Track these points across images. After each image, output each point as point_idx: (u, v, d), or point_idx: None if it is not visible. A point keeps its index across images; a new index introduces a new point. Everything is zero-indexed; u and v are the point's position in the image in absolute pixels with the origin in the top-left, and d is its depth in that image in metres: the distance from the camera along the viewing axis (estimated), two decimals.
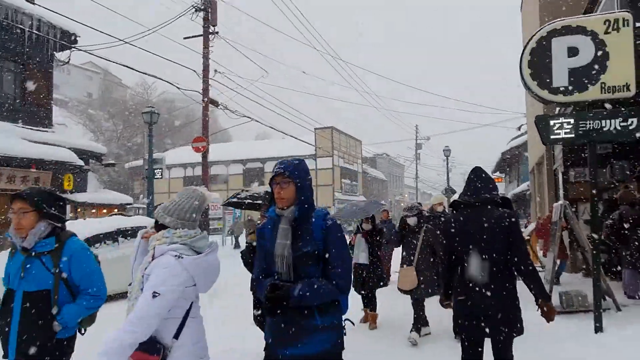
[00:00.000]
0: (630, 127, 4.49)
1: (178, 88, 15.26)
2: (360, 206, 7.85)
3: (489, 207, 2.94)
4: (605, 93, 4.57)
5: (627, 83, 4.51)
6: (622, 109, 4.58)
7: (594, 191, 4.79)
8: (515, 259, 2.83)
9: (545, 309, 2.79)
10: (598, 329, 4.75)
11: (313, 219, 2.24)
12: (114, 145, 45.94)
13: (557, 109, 5.87)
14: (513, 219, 2.92)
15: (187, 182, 40.35)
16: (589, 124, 4.60)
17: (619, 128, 4.51)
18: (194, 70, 15.66)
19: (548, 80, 4.76)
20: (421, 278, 5.06)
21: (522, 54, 4.90)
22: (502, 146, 27.32)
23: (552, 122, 4.71)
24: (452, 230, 3.01)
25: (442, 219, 6.88)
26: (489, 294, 2.81)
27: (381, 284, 5.85)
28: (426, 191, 70.35)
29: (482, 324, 2.80)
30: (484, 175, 3.08)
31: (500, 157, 28.85)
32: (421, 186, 62.63)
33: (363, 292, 5.87)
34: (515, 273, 2.89)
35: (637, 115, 4.49)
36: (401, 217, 5.64)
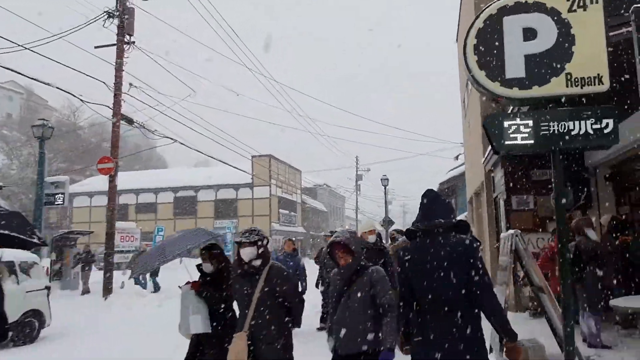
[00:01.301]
0: (606, 131, 3.41)
1: (82, 101, 13.34)
2: (165, 243, 5.05)
3: (444, 233, 2.65)
4: (572, 86, 3.50)
5: (598, 74, 3.47)
6: (594, 108, 3.48)
7: (557, 217, 3.65)
8: (477, 292, 2.53)
9: (510, 351, 2.56)
10: None
11: None
12: (30, 170, 41.86)
13: (510, 108, 4.79)
14: (472, 245, 2.60)
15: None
16: (553, 126, 3.49)
17: (590, 132, 3.43)
18: (104, 82, 13.83)
19: (499, 70, 3.64)
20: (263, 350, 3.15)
21: (467, 36, 3.78)
22: (442, 177, 27.11)
23: (506, 124, 3.56)
24: (405, 261, 2.75)
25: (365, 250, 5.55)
26: (446, 334, 2.51)
27: None
28: None
29: None
30: (436, 197, 2.82)
31: (438, 188, 28.63)
32: (362, 218, 62.20)
33: None
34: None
35: (612, 116, 3.42)
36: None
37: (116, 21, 14.15)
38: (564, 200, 3.53)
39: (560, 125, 3.48)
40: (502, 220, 10.35)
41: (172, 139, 16.92)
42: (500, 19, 3.71)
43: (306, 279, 7.71)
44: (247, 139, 26.17)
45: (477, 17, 3.79)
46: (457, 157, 21.69)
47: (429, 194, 2.85)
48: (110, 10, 14.21)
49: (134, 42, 14.36)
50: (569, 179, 9.14)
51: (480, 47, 3.71)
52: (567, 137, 3.46)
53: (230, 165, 26.51)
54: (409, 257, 2.74)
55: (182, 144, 17.30)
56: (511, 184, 9.31)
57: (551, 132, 3.49)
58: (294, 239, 9.38)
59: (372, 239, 5.64)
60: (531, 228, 9.05)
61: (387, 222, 22.97)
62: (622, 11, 4.91)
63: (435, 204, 2.76)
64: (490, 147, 10.26)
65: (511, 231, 5.08)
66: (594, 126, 3.43)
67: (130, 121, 14.58)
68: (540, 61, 3.58)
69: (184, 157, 56.30)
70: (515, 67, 3.62)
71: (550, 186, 9.10)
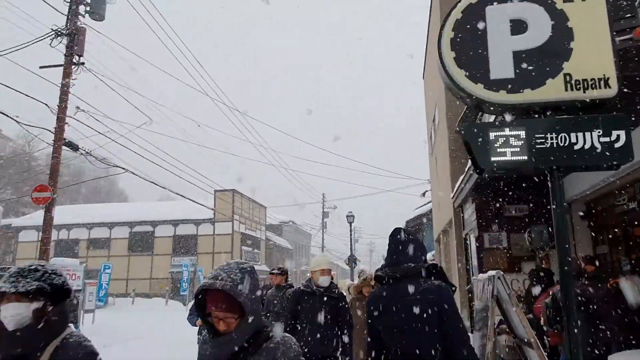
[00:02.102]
0: (617, 145, 2.69)
1: (18, 123, 12.11)
2: None
3: (414, 278, 2.34)
4: (572, 90, 2.80)
5: (604, 75, 2.79)
6: (602, 116, 2.77)
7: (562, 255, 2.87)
8: (451, 344, 2.24)
9: None
10: None
11: None
12: None
13: (492, 117, 4.06)
14: (446, 293, 2.30)
15: (61, 245, 34.75)
16: (551, 138, 2.75)
17: (597, 146, 2.70)
18: (46, 104, 12.67)
19: (483, 69, 2.91)
20: None
21: (442, 29, 3.06)
22: (409, 214, 26.50)
23: (492, 136, 2.80)
24: (374, 311, 2.46)
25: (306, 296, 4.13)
26: None
27: None
28: (333, 261, 68.66)
29: None
30: (405, 237, 2.51)
31: (405, 226, 27.98)
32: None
33: None
34: None
35: (624, 126, 2.71)
36: None
37: (65, 40, 13.20)
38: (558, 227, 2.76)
39: (560, 138, 2.74)
40: (473, 259, 9.66)
41: (123, 168, 15.74)
42: (482, 9, 3.02)
43: None
44: (211, 173, 25.09)
45: (453, 8, 3.09)
46: (424, 194, 21.24)
47: (396, 234, 2.55)
48: (59, 29, 13.26)
49: (83, 64, 13.37)
50: (543, 216, 8.58)
51: (459, 42, 2.99)
52: (569, 153, 2.72)
53: (191, 200, 25.22)
54: (378, 306, 2.47)
55: (133, 173, 16.10)
56: (483, 221, 8.66)
57: (549, 145, 2.75)
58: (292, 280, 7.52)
59: (324, 281, 4.20)
60: (505, 269, 8.35)
61: (352, 260, 22.01)
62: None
63: (404, 245, 2.49)
64: (461, 180, 9.68)
65: (492, 272, 4.28)
66: (602, 139, 2.70)
67: (74, 147, 13.38)
68: (532, 59, 2.88)
69: (146, 192, 54.06)
70: (502, 66, 2.90)
71: (524, 223, 8.53)
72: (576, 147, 2.72)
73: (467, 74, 2.93)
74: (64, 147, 12.94)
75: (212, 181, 29.11)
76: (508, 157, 2.78)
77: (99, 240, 34.62)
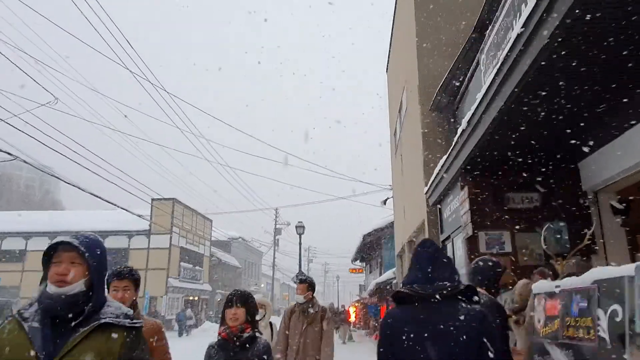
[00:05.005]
0: None
1: None
2: None
3: (451, 301, 1.99)
4: None
5: None
6: None
7: None
8: None
9: None
10: None
11: None
12: None
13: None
14: (486, 318, 2.01)
15: None
16: None
17: None
18: None
19: None
20: None
21: None
22: (366, 229, 23.95)
23: None
24: (395, 333, 2.02)
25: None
26: None
27: None
28: (285, 282, 65.13)
29: None
30: (439, 251, 2.16)
31: (361, 241, 25.32)
32: (280, 276, 57.38)
33: None
34: None
35: None
36: None
37: None
38: None
39: None
40: (458, 270, 7.11)
41: (9, 153, 12.31)
42: None
43: None
44: (149, 179, 21.77)
45: None
46: (384, 202, 18.75)
47: (429, 246, 2.16)
48: None
49: None
50: (563, 210, 6.13)
51: None
52: None
53: (123, 209, 21.67)
54: (402, 328, 2.02)
55: (24, 162, 12.66)
56: (477, 215, 6.08)
57: None
58: None
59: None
60: (509, 283, 5.76)
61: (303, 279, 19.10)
62: None
63: (439, 260, 2.12)
64: (443, 162, 7.14)
65: (628, 267, 1.58)
66: None
67: None
68: None
69: (89, 204, 48.33)
70: None
71: (534, 219, 6.04)
72: None
73: None
74: None
75: (149, 188, 25.55)
76: None
77: (13, 253, 30.00)
